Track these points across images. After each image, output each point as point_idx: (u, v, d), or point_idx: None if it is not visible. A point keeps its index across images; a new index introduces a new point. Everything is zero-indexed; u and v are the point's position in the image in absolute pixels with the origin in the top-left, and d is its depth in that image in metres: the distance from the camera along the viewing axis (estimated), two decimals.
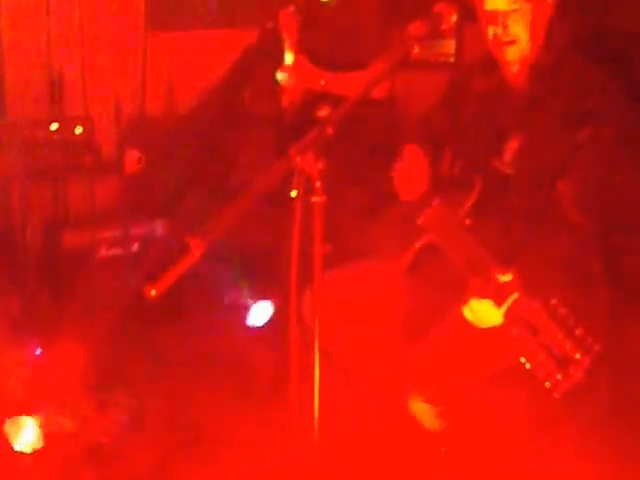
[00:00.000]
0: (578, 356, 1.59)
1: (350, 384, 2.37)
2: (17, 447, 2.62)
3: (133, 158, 3.49)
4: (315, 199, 1.57)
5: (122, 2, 4.66)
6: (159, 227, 3.83)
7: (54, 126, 3.58)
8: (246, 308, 3.47)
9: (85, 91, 4.57)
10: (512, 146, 2.11)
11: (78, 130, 3.62)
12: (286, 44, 3.09)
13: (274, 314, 3.41)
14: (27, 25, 4.54)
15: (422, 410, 2.04)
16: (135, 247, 3.73)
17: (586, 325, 1.66)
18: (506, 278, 1.79)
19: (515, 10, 2.02)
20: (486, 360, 1.99)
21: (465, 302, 1.88)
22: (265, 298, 3.46)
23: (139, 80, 4.60)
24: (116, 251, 3.71)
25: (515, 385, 1.93)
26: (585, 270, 1.97)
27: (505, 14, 2.03)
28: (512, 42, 2.06)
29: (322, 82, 3.01)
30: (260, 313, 3.47)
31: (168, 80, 4.69)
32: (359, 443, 2.55)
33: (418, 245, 2.18)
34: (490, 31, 2.08)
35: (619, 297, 2.18)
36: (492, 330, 1.82)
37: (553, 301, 1.65)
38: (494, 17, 2.05)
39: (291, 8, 3.11)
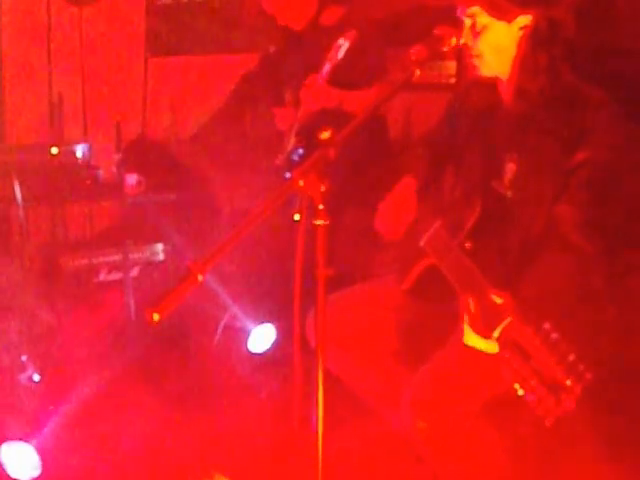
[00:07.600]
0: (569, 383, 1.57)
1: (355, 406, 2.36)
2: (14, 475, 2.59)
3: (133, 182, 3.49)
4: (318, 222, 1.57)
5: (123, 27, 4.70)
6: (159, 251, 3.84)
7: (54, 150, 3.58)
8: (246, 332, 3.42)
9: (85, 115, 4.59)
10: (511, 168, 2.08)
11: (78, 154, 3.62)
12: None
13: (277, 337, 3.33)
14: (28, 49, 4.57)
15: (424, 429, 2.01)
16: (135, 271, 3.73)
17: (589, 347, 1.64)
18: (499, 301, 1.76)
19: (475, 23, 2.00)
20: (485, 384, 1.97)
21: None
22: (267, 321, 3.37)
23: (140, 104, 4.63)
24: (116, 275, 3.70)
25: (510, 408, 1.92)
26: (588, 292, 1.95)
27: (470, 26, 2.02)
28: (477, 56, 2.04)
29: (338, 101, 3.04)
30: (262, 337, 3.38)
31: (168, 104, 4.71)
32: (363, 468, 2.53)
33: (420, 267, 2.18)
34: (461, 41, 2.05)
35: (626, 315, 2.16)
36: (491, 356, 1.80)
37: (546, 325, 1.62)
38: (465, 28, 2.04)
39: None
